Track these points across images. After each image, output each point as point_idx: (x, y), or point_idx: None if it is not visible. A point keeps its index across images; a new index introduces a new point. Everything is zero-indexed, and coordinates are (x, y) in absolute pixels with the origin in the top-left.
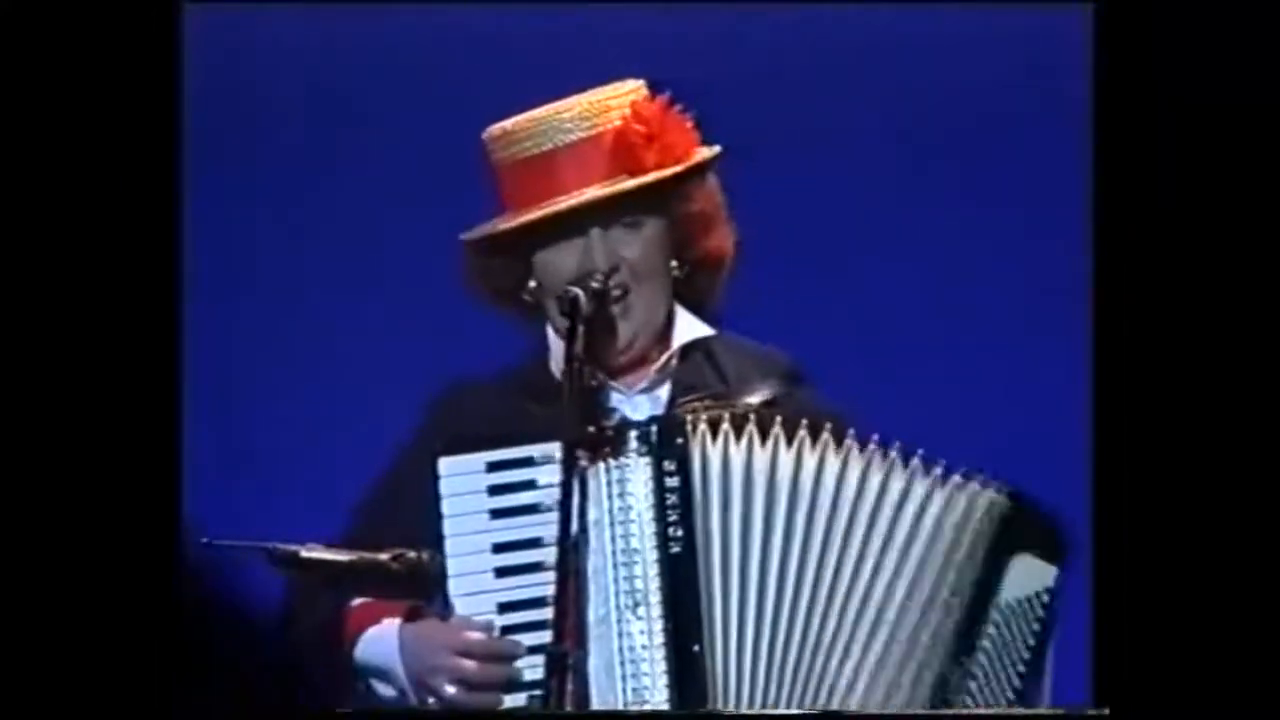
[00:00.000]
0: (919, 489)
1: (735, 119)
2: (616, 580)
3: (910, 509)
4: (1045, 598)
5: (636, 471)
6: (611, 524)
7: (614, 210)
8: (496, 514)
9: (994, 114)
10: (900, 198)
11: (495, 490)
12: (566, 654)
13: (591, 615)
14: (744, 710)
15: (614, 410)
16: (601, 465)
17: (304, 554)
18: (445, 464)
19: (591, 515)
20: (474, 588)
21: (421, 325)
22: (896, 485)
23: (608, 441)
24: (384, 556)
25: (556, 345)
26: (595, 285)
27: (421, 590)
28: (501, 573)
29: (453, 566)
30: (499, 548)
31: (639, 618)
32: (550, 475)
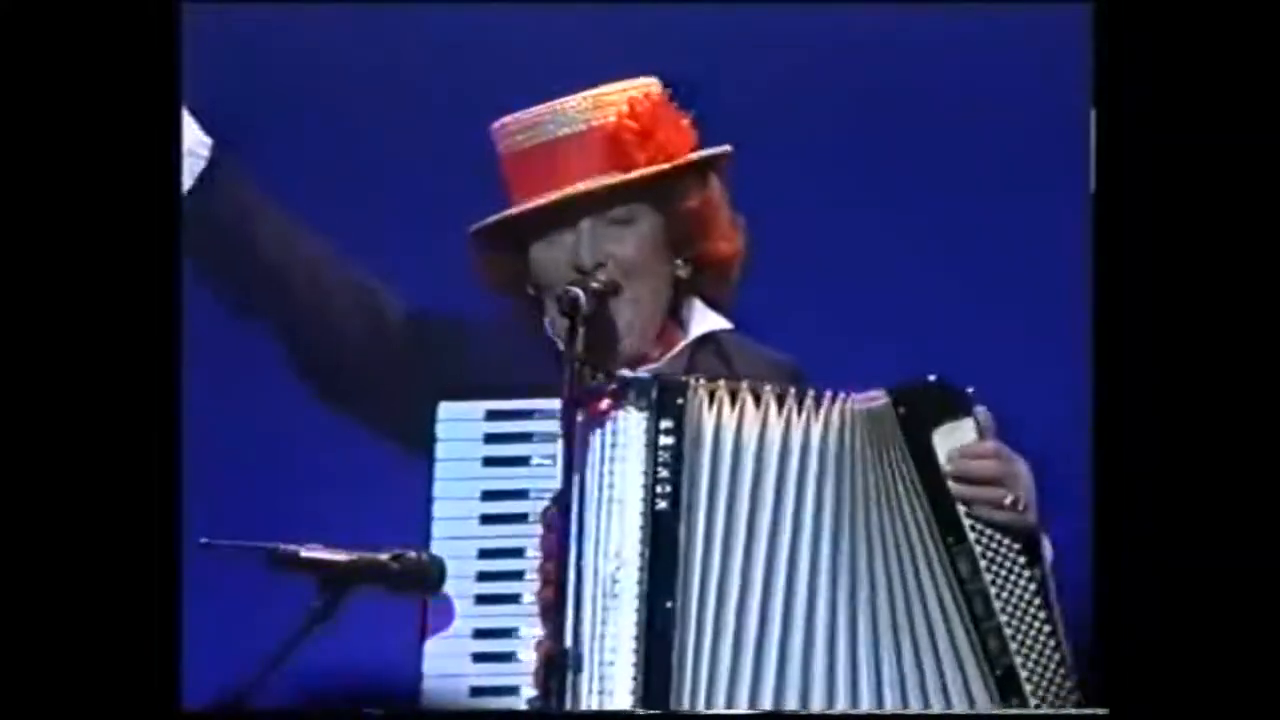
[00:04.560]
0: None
1: (732, 117)
2: (599, 530)
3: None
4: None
5: (631, 425)
6: (601, 476)
7: (603, 205)
8: (489, 462)
9: (993, 114)
10: (898, 198)
11: (491, 439)
12: (566, 653)
13: (575, 563)
14: (742, 710)
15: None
16: (598, 420)
17: (304, 554)
18: (445, 408)
19: (584, 468)
20: (457, 532)
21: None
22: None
23: (607, 396)
24: (384, 557)
25: (557, 335)
26: (595, 285)
27: (421, 591)
28: (486, 519)
29: (439, 509)
30: (487, 495)
31: (617, 566)
32: (547, 428)
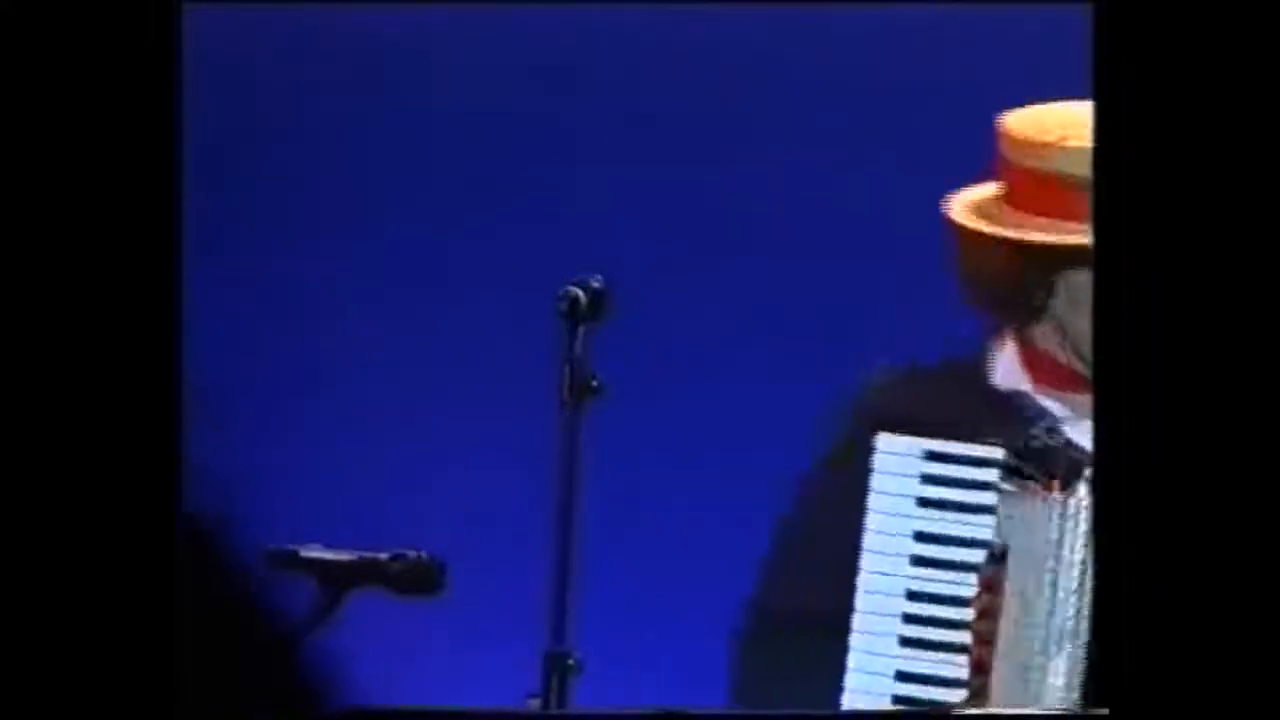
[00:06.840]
0: None
1: (732, 117)
2: (1049, 613)
3: None
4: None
5: (1083, 512)
6: (1049, 556)
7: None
8: (924, 503)
9: (993, 114)
10: (898, 198)
11: (928, 480)
12: (567, 654)
13: (1009, 629)
14: (741, 710)
15: (1053, 425)
16: (1048, 495)
17: (304, 554)
18: (884, 440)
19: (1028, 537)
20: (888, 569)
21: (419, 325)
22: None
23: (1055, 467)
24: (384, 557)
25: (1007, 354)
26: (595, 285)
27: (421, 591)
28: (917, 561)
29: (870, 542)
30: (920, 536)
31: (1061, 649)
32: (987, 478)
